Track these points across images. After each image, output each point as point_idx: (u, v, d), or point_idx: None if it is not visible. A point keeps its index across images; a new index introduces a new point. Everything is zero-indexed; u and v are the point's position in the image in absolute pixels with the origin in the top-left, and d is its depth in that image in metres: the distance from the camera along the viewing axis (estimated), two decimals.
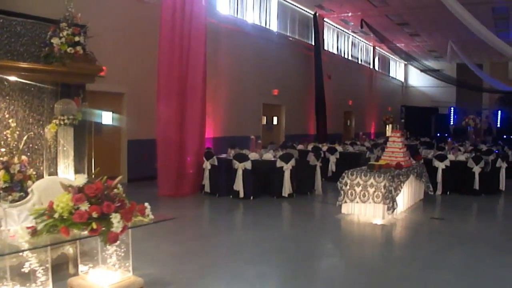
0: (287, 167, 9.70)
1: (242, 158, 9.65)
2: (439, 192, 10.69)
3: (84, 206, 3.50)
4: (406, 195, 8.72)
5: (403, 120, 31.18)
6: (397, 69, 33.01)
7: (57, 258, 4.87)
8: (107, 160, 11.56)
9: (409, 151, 15.23)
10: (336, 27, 22.49)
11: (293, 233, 7.30)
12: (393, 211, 7.63)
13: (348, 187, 8.00)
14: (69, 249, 5.13)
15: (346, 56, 24.21)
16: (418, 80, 33.00)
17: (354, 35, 24.54)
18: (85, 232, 3.54)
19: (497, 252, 6.19)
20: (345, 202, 8.05)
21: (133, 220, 3.94)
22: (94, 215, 3.49)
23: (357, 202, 7.93)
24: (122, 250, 4.07)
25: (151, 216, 4.07)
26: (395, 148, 9.12)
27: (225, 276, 5.05)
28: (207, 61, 13.77)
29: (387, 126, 26.07)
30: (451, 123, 29.19)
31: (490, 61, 28.43)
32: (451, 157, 11.25)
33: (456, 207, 9.52)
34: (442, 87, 30.68)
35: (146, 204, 4.06)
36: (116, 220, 3.54)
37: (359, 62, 26.09)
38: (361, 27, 20.18)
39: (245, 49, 15.60)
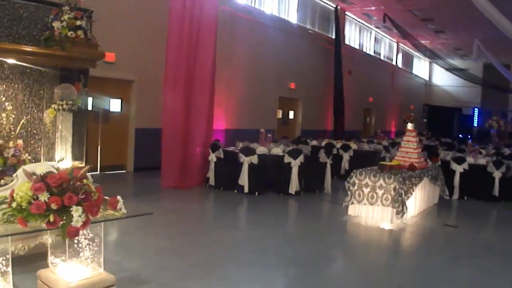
0: (295, 163, 9.23)
1: (249, 151, 9.22)
2: (455, 196, 10.09)
3: (43, 197, 3.17)
4: (419, 199, 8.17)
5: (425, 120, 30.30)
6: (421, 67, 32.00)
7: (36, 247, 4.57)
8: (113, 148, 11.32)
9: (428, 152, 14.68)
10: (358, 21, 21.78)
11: (293, 233, 6.85)
12: (402, 216, 7.11)
13: (356, 187, 7.50)
14: (48, 239, 4.82)
15: (368, 52, 23.46)
16: (442, 79, 31.96)
17: (377, 30, 23.76)
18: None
19: (511, 268, 5.64)
20: (352, 203, 7.56)
21: (104, 214, 3.62)
22: (53, 206, 3.16)
23: (364, 204, 7.44)
24: (95, 244, 3.74)
25: (124, 210, 3.75)
26: (409, 148, 8.57)
27: (209, 278, 4.64)
28: (220, 51, 13.39)
29: (407, 125, 25.20)
30: (475, 125, 28.15)
31: None
32: (470, 160, 10.61)
33: (472, 214, 8.93)
34: (467, 87, 29.62)
35: (119, 197, 3.75)
36: (77, 213, 3.18)
37: (382, 58, 25.29)
38: (384, 21, 19.45)
39: (262, 40, 15.12)
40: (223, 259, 5.29)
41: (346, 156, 12.27)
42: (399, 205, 7.05)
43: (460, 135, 26.12)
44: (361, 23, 22.08)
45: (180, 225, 6.87)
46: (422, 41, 24.21)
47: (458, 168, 10.16)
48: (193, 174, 9.89)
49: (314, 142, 13.57)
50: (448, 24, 20.65)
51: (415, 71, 31.08)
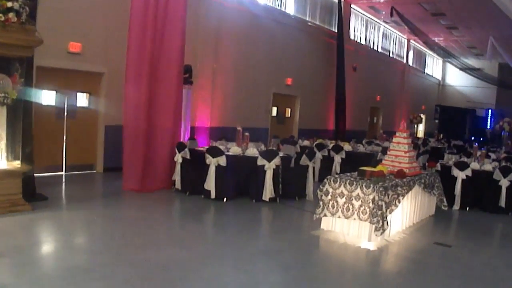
0: (269, 166, 7.96)
1: (216, 152, 7.99)
2: (456, 207, 8.69)
3: None
4: (408, 211, 6.82)
5: (437, 121, 28.64)
6: (434, 66, 30.27)
7: None
8: (81, 147, 10.21)
9: (434, 155, 13.24)
10: (365, 15, 20.30)
11: (249, 250, 5.55)
12: (382, 233, 5.78)
13: (329, 197, 6.20)
14: None
15: (375, 48, 21.95)
16: (456, 78, 30.20)
17: (386, 25, 22.23)
18: None
19: None
20: (325, 215, 6.26)
21: None
22: None
23: (339, 217, 6.14)
24: None
25: None
26: (399, 151, 7.22)
27: None
28: (205, 43, 12.24)
29: (415, 126, 23.68)
30: (488, 127, 26.36)
31: None
32: (475, 165, 9.19)
33: (473, 229, 7.54)
34: (482, 88, 27.86)
35: None
36: None
37: (391, 55, 23.73)
38: (391, 15, 17.97)
39: (254, 32, 13.84)
40: (141, 286, 4.08)
41: (337, 158, 10.94)
42: (378, 220, 5.73)
43: (472, 138, 24.40)
44: (368, 17, 20.60)
45: (113, 238, 5.68)
46: (434, 38, 22.63)
47: (460, 175, 8.75)
48: (158, 176, 8.70)
49: (306, 142, 12.29)
50: (461, 20, 19.06)
51: (428, 70, 29.39)
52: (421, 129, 28.90)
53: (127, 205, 7.67)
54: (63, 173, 9.81)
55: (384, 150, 11.93)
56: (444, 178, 8.67)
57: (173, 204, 8.01)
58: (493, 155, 11.82)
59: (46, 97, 9.46)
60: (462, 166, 8.82)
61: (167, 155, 8.75)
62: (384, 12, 19.38)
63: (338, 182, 6.12)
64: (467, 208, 8.70)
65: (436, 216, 7.86)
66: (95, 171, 10.44)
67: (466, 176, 8.72)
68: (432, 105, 29.46)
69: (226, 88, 13.11)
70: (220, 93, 12.92)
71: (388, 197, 5.92)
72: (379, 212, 5.73)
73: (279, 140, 11.86)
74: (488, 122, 26.77)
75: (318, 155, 11.08)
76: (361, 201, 5.90)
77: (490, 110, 27.24)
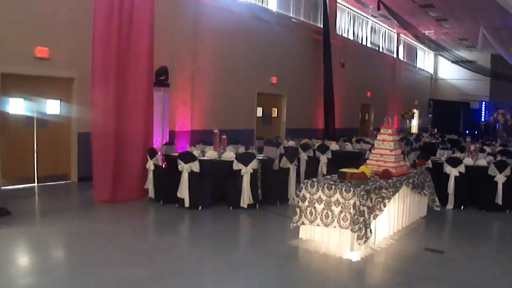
0: (246, 171, 7.36)
1: (188, 157, 7.37)
2: (450, 206, 8.11)
3: None
4: (395, 214, 6.22)
5: (430, 115, 28.05)
6: (425, 60, 29.71)
7: None
8: (53, 156, 9.60)
9: (427, 151, 12.64)
10: (352, 10, 19.71)
11: (217, 265, 4.93)
12: (365, 241, 5.17)
13: (306, 203, 5.60)
14: None
15: (364, 43, 21.35)
16: (449, 72, 29.64)
17: (374, 19, 21.64)
18: None
19: None
20: (303, 223, 5.66)
21: None
22: None
23: (317, 225, 5.53)
24: None
25: None
26: (385, 149, 6.62)
27: None
28: (182, 42, 11.58)
29: (407, 121, 23.11)
30: (482, 119, 25.79)
31: None
32: (469, 161, 8.62)
33: (468, 230, 6.94)
34: (475, 80, 27.30)
35: None
36: None
37: (380, 50, 23.13)
38: (378, 9, 17.36)
39: (234, 30, 13.21)
40: None
41: (323, 159, 10.32)
42: (361, 227, 5.12)
43: (467, 131, 23.84)
44: (355, 11, 20.01)
45: (68, 255, 5.11)
46: (424, 31, 22.06)
47: (453, 172, 8.16)
48: (130, 185, 8.09)
49: (292, 143, 11.68)
50: (450, 11, 18.47)
51: (419, 64, 28.81)
52: (414, 124, 28.36)
53: (94, 218, 7.05)
54: (35, 184, 9.22)
55: None
56: (436, 175, 8.13)
57: (144, 215, 7.39)
58: (488, 149, 11.26)
59: (14, 106, 8.84)
60: (455, 162, 8.24)
61: (139, 163, 8.15)
62: (371, 6, 18.80)
63: (315, 187, 5.51)
64: (462, 207, 8.12)
65: (428, 218, 7.25)
66: (69, 181, 9.82)
67: (459, 172, 8.13)
68: (425, 99, 28.88)
69: (207, 90, 12.49)
70: (201, 94, 12.30)
71: (371, 201, 5.32)
72: (361, 219, 5.12)
73: (263, 142, 11.27)
74: (483, 115, 26.22)
75: (303, 156, 10.50)
76: (341, 206, 5.30)
77: (484, 103, 26.70)
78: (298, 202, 5.63)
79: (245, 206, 7.38)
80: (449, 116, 26.00)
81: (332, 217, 5.36)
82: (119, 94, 7.89)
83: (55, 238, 5.86)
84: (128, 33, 7.98)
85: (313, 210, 5.51)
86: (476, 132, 23.17)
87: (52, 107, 9.47)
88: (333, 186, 5.39)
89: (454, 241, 6.44)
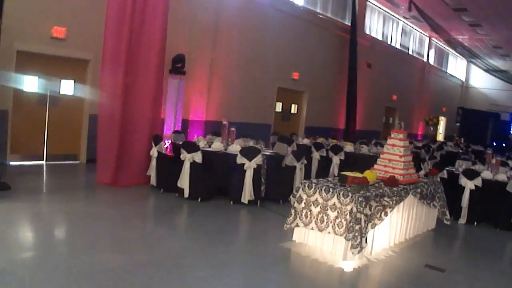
0: (250, 166, 7.06)
1: (192, 147, 7.13)
2: (463, 221, 7.60)
3: None
4: (398, 224, 5.82)
5: (458, 124, 27.08)
6: (457, 66, 28.65)
7: None
8: (64, 136, 9.54)
9: (447, 160, 12.07)
10: (382, 9, 19.07)
11: (200, 262, 4.66)
12: (359, 251, 4.81)
13: (302, 204, 5.27)
14: None
15: (393, 44, 20.67)
16: (481, 80, 28.54)
17: (405, 21, 20.91)
18: None
19: None
20: (297, 225, 5.34)
21: None
22: None
23: (312, 229, 5.20)
24: None
25: None
26: (394, 155, 6.21)
27: None
28: (203, 31, 11.29)
29: (431, 128, 22.30)
30: None
31: None
32: (487, 174, 8.07)
33: (476, 248, 6.46)
34: (508, 90, 26.17)
35: None
36: None
37: (410, 52, 22.38)
38: (409, 9, 16.72)
39: (258, 23, 12.88)
40: None
41: (335, 160, 9.92)
42: (356, 236, 4.76)
43: (494, 143, 22.83)
44: (385, 11, 19.35)
45: (53, 235, 4.93)
46: (457, 36, 21.21)
47: (468, 184, 7.65)
48: (133, 170, 7.93)
49: (306, 141, 11.32)
50: (484, 16, 17.64)
51: (451, 70, 27.82)
52: (441, 132, 27.46)
53: (91, 201, 6.92)
54: (44, 162, 9.17)
55: None
56: (451, 187, 7.65)
57: (141, 201, 7.18)
58: (511, 163, 10.60)
59: (28, 83, 8.78)
60: (471, 175, 7.72)
61: (144, 149, 7.97)
62: (403, 7, 18.15)
63: (313, 188, 5.17)
64: (475, 222, 7.60)
65: (437, 231, 6.79)
66: (78, 161, 9.75)
67: (475, 186, 7.61)
68: (454, 107, 27.90)
69: (225, 80, 12.23)
70: (218, 85, 12.05)
71: (370, 209, 4.95)
72: (357, 227, 4.76)
73: (277, 138, 10.94)
74: None
75: (316, 155, 10.13)
76: (337, 212, 4.95)
77: None
78: (294, 202, 5.30)
79: (246, 202, 7.09)
80: (478, 126, 25.03)
81: (327, 222, 5.02)
82: (128, 79, 7.71)
83: (43, 217, 5.71)
84: (141, 20, 7.79)
85: (309, 213, 5.18)
86: (504, 144, 22.18)
87: (66, 87, 9.38)
88: (331, 190, 5.04)
89: (458, 259, 5.99)
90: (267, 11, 13.07)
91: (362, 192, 4.93)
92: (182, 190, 7.13)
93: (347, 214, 4.86)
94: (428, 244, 6.29)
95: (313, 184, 5.20)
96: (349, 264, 4.88)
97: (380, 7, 18.81)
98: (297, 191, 5.32)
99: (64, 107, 9.41)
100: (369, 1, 17.67)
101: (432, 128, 22.83)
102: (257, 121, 13.28)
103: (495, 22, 17.99)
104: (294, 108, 15.19)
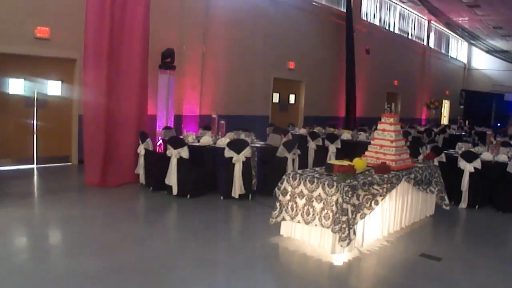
0: (238, 159, 6.75)
1: (177, 143, 6.83)
2: (464, 205, 7.23)
3: None
4: (392, 213, 5.48)
5: (462, 106, 26.51)
6: (458, 49, 28.00)
7: None
8: (54, 138, 9.28)
9: (448, 144, 11.64)
10: None
11: (181, 261, 4.37)
12: (348, 244, 4.48)
13: (288, 197, 4.95)
14: None
15: (391, 29, 20.16)
16: (483, 62, 27.88)
17: (403, 5, 20.37)
18: None
19: None
20: (283, 219, 5.03)
21: None
22: None
23: (298, 222, 4.89)
24: None
25: None
26: (385, 140, 5.88)
27: None
28: (192, 24, 10.95)
29: (433, 111, 21.80)
30: None
31: None
32: (487, 155, 7.71)
33: (477, 234, 6.10)
34: (511, 71, 25.52)
35: None
36: None
37: (409, 37, 21.84)
38: None
39: (249, 12, 12.51)
40: None
41: (332, 148, 9.57)
42: (343, 228, 4.43)
43: (498, 124, 22.28)
44: None
45: (35, 240, 4.75)
46: (458, 19, 20.62)
47: (468, 167, 7.27)
48: (121, 169, 7.65)
49: (303, 131, 10.98)
50: None
51: (452, 53, 27.19)
52: (445, 116, 26.92)
53: (77, 203, 6.64)
54: (34, 166, 8.94)
55: None
56: (450, 171, 7.30)
57: (129, 201, 6.89)
58: None
59: (14, 86, 8.54)
60: (470, 157, 7.34)
61: (131, 147, 7.68)
62: None
63: (297, 180, 4.85)
64: (476, 206, 7.24)
65: (436, 217, 6.44)
66: (70, 163, 9.50)
67: (475, 168, 7.24)
68: (457, 90, 27.30)
69: (218, 74, 11.90)
70: (212, 78, 11.72)
71: (357, 199, 4.61)
72: (344, 218, 4.44)
73: (272, 129, 10.61)
74: None
75: (312, 145, 9.80)
76: (323, 203, 4.63)
77: None
78: (279, 195, 4.99)
79: (237, 197, 6.80)
80: (481, 107, 24.46)
81: (313, 214, 4.70)
82: (111, 76, 7.42)
83: (25, 222, 5.45)
84: (122, 15, 7.48)
85: (294, 205, 4.87)
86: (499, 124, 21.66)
87: (53, 88, 9.12)
88: (315, 180, 4.71)
89: (457, 246, 5.64)
90: (259, 0, 12.68)
91: (348, 181, 4.60)
92: (171, 187, 6.84)
93: (333, 205, 4.54)
94: (426, 232, 5.95)
95: (297, 175, 4.88)
96: (339, 257, 4.57)
97: None
98: (281, 183, 5.01)
99: (52, 108, 9.15)
100: None
101: (434, 112, 22.33)
102: (254, 113, 12.95)
103: (494, 2, 17.40)
104: (292, 98, 14.82)
